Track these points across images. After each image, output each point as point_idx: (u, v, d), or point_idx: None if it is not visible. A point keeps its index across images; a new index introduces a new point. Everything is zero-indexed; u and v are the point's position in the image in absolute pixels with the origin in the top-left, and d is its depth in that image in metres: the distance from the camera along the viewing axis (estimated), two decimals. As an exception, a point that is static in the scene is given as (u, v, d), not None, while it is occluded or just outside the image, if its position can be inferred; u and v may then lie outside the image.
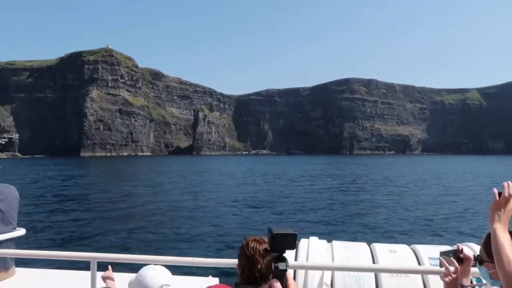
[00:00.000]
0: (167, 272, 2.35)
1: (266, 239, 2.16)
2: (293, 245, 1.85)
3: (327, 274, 4.34)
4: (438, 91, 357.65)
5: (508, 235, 1.92)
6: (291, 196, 33.27)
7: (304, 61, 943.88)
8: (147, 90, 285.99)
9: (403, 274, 4.16)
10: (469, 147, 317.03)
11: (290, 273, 1.88)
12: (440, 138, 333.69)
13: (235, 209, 26.41)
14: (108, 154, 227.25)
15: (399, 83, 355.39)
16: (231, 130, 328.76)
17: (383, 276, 4.23)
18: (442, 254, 2.35)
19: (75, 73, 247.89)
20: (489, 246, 2.00)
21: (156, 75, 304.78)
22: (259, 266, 2.11)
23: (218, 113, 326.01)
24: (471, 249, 4.34)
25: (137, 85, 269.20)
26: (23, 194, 21.34)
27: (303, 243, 4.93)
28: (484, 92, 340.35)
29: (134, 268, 2.69)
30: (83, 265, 3.65)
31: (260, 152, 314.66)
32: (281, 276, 1.81)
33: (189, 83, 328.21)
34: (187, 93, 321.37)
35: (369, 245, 5.03)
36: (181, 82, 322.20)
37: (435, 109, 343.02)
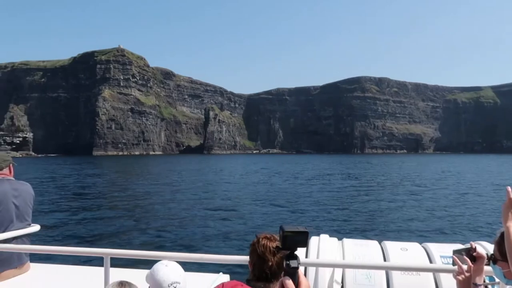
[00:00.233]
0: (179, 268, 2.34)
1: (277, 237, 2.17)
2: (305, 243, 1.88)
3: (338, 272, 4.32)
4: (451, 90, 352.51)
5: None
6: (304, 195, 33.18)
7: (314, 60, 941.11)
8: (158, 90, 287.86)
9: (414, 272, 4.13)
10: (483, 146, 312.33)
11: (301, 270, 1.92)
12: (453, 137, 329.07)
13: (248, 206, 26.47)
14: (120, 153, 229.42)
15: (411, 81, 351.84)
16: (241, 129, 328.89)
17: (394, 274, 4.19)
18: (455, 252, 2.34)
19: (87, 72, 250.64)
20: (502, 245, 1.98)
21: (167, 75, 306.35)
22: (270, 264, 2.14)
23: (229, 112, 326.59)
24: (484, 248, 4.32)
25: (149, 85, 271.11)
26: (38, 191, 21.64)
27: (314, 240, 4.94)
28: (499, 90, 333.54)
29: (147, 264, 2.70)
30: (96, 261, 3.72)
31: (270, 151, 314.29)
32: (293, 274, 1.85)
33: (200, 82, 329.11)
34: (198, 92, 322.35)
35: (380, 243, 5.02)
36: (192, 81, 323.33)
37: (448, 108, 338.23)
